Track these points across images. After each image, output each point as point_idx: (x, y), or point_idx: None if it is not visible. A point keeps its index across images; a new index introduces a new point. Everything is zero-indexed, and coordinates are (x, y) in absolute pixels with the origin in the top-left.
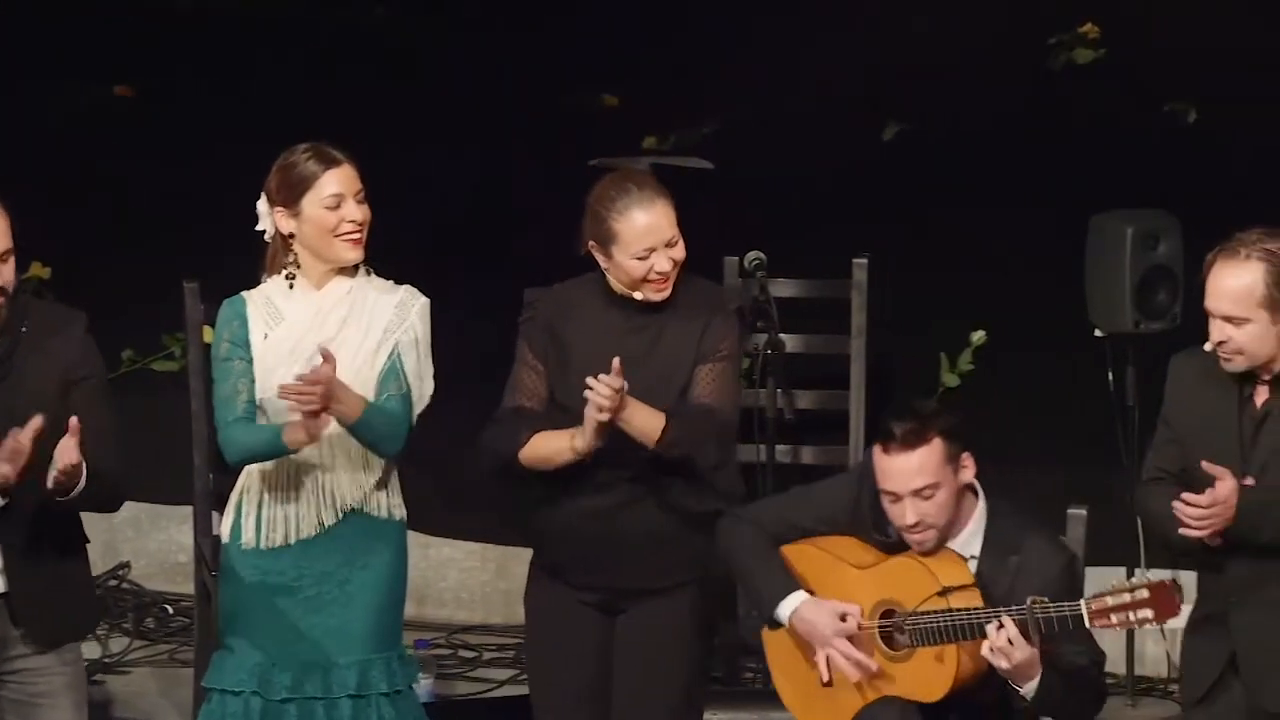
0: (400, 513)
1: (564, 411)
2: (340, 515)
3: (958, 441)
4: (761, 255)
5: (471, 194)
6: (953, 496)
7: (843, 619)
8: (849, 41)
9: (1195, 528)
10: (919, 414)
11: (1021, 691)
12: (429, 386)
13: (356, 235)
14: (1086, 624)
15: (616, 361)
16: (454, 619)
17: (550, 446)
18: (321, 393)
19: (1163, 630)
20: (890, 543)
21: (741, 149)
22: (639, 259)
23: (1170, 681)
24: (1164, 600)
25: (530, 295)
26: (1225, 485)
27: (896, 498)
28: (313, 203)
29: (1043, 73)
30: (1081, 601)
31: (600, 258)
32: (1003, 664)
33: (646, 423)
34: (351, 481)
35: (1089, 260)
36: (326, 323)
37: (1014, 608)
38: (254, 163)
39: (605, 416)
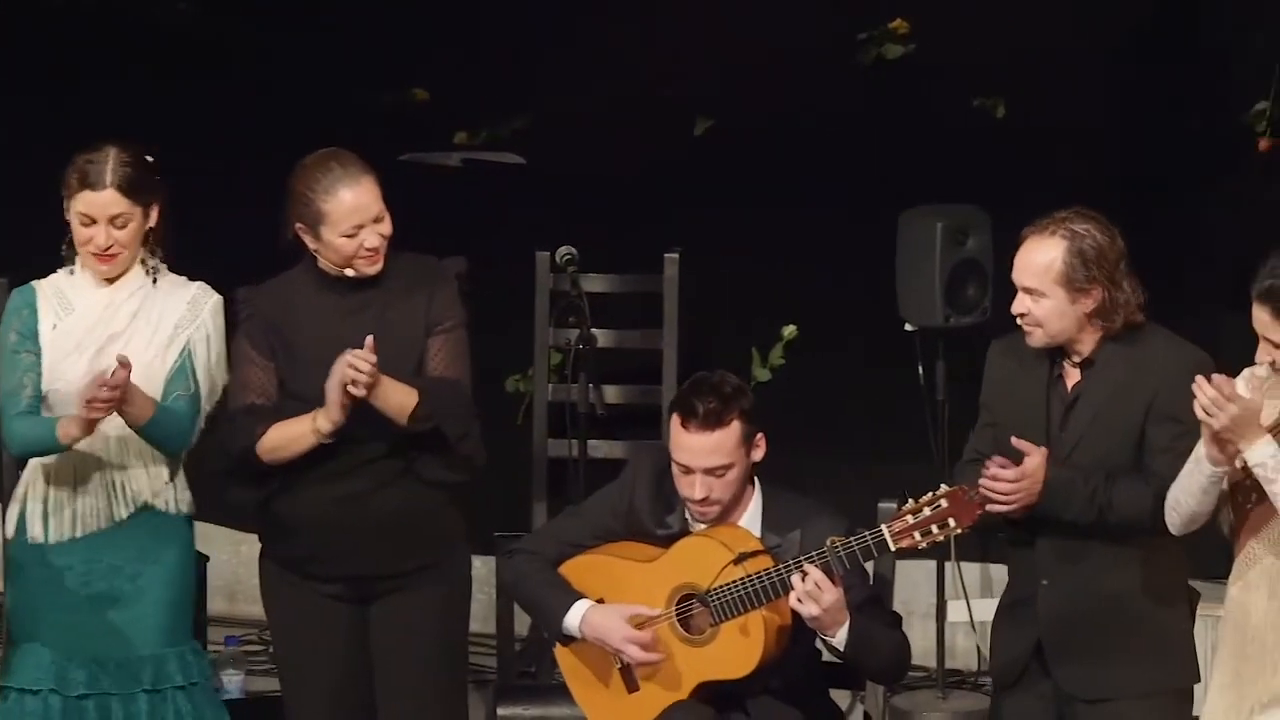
0: (188, 507)
1: (298, 401)
2: (133, 509)
3: (754, 422)
4: (573, 250)
5: (279, 190)
6: (742, 475)
7: (632, 619)
8: (660, 36)
9: (1002, 502)
10: (721, 394)
11: (833, 641)
12: (221, 383)
13: (100, 255)
14: (891, 546)
15: (370, 339)
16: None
17: (290, 433)
18: (117, 398)
19: (973, 624)
20: (672, 534)
21: (553, 144)
22: (348, 236)
23: (981, 674)
24: (963, 506)
25: (243, 294)
26: (1033, 460)
27: (688, 470)
28: (70, 212)
29: (853, 68)
30: (883, 526)
31: (309, 239)
32: (812, 610)
33: (399, 398)
34: (145, 475)
35: (899, 255)
36: (117, 316)
37: (813, 552)
38: (58, 159)
39: (362, 392)
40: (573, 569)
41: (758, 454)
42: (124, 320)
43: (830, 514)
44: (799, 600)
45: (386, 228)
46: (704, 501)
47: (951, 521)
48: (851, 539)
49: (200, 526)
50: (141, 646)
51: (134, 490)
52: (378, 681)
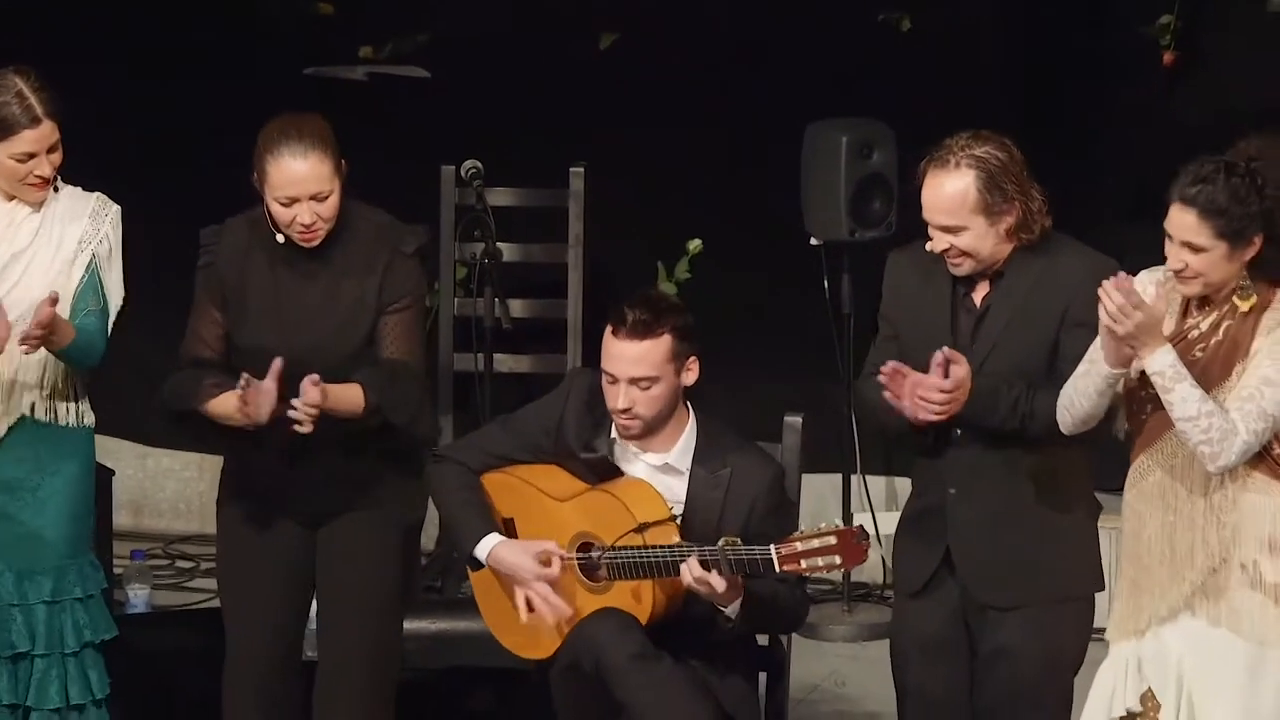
0: (89, 418)
1: (244, 353)
2: (28, 416)
3: (687, 342)
4: (478, 164)
5: (187, 104)
6: (669, 394)
7: (542, 560)
8: None
9: (936, 412)
10: (655, 306)
11: (726, 612)
12: (120, 294)
13: (42, 183)
14: (776, 569)
15: (308, 382)
16: (171, 529)
17: (223, 409)
18: (46, 334)
19: (879, 537)
20: (595, 459)
21: (458, 57)
22: (282, 205)
23: (886, 587)
24: (850, 547)
25: (206, 236)
26: (962, 369)
27: (614, 380)
28: (4, 152)
29: None
30: (771, 546)
31: (262, 192)
32: (701, 593)
33: (349, 402)
34: (43, 382)
35: (804, 169)
36: (18, 234)
37: (707, 549)
38: None
39: (309, 429)
40: (490, 483)
41: (689, 377)
42: (26, 238)
43: (761, 457)
44: (689, 584)
45: (327, 210)
46: (627, 413)
47: (836, 559)
48: (742, 549)
49: (107, 440)
50: (43, 559)
51: (37, 404)
52: (318, 602)
